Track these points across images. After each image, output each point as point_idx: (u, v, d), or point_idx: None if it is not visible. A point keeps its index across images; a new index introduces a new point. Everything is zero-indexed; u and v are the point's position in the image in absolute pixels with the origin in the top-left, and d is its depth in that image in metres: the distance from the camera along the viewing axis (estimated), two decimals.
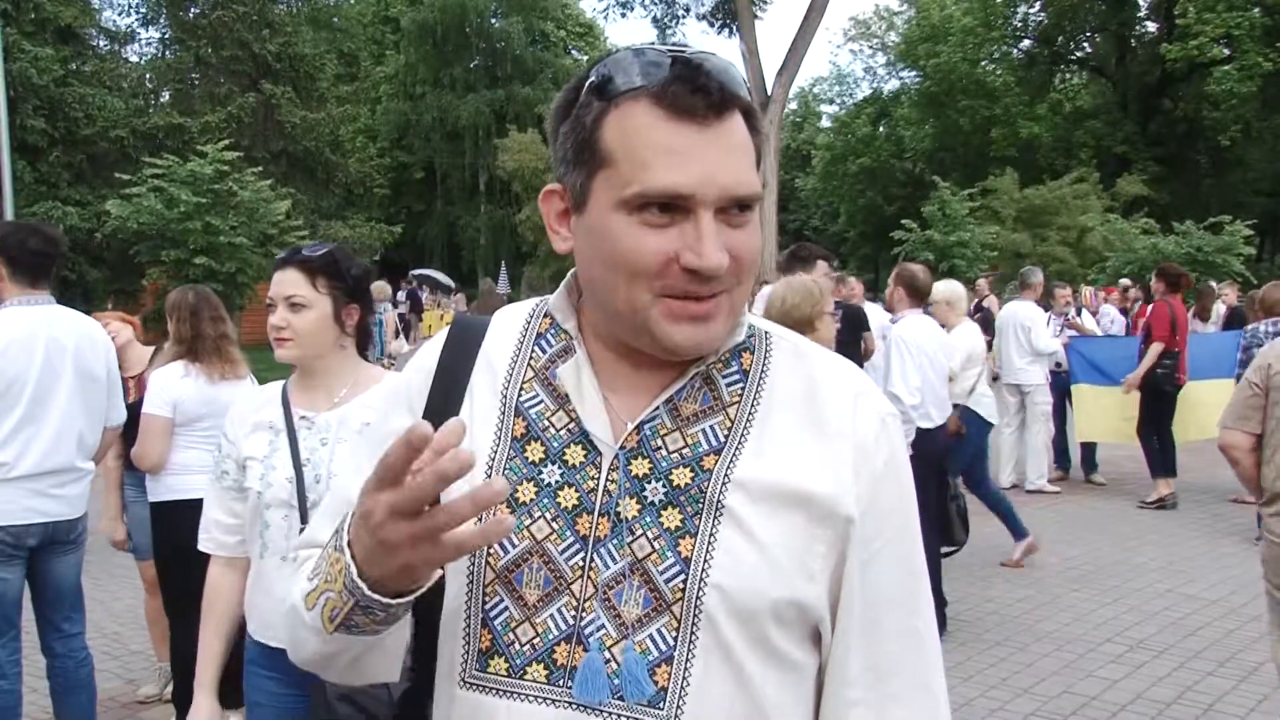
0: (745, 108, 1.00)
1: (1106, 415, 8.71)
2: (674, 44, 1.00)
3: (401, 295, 25.74)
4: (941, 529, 5.24)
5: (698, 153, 0.95)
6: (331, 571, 0.95)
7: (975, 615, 5.66)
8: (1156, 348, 8.09)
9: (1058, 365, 8.97)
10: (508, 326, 1.16)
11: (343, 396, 2.34)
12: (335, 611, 0.96)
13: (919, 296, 5.61)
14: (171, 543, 3.86)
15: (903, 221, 22.12)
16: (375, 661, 1.05)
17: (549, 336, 1.13)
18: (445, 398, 1.12)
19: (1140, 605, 5.86)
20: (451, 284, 30.01)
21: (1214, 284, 14.16)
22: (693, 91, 0.95)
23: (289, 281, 2.30)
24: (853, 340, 8.20)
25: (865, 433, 1.06)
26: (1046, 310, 9.33)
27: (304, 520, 2.21)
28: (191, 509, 3.72)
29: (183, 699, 3.96)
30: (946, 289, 6.75)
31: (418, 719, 1.11)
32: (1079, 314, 10.24)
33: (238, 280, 15.48)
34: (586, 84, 1.00)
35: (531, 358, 1.12)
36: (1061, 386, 9.13)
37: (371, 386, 2.35)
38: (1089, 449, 9.46)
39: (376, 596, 0.92)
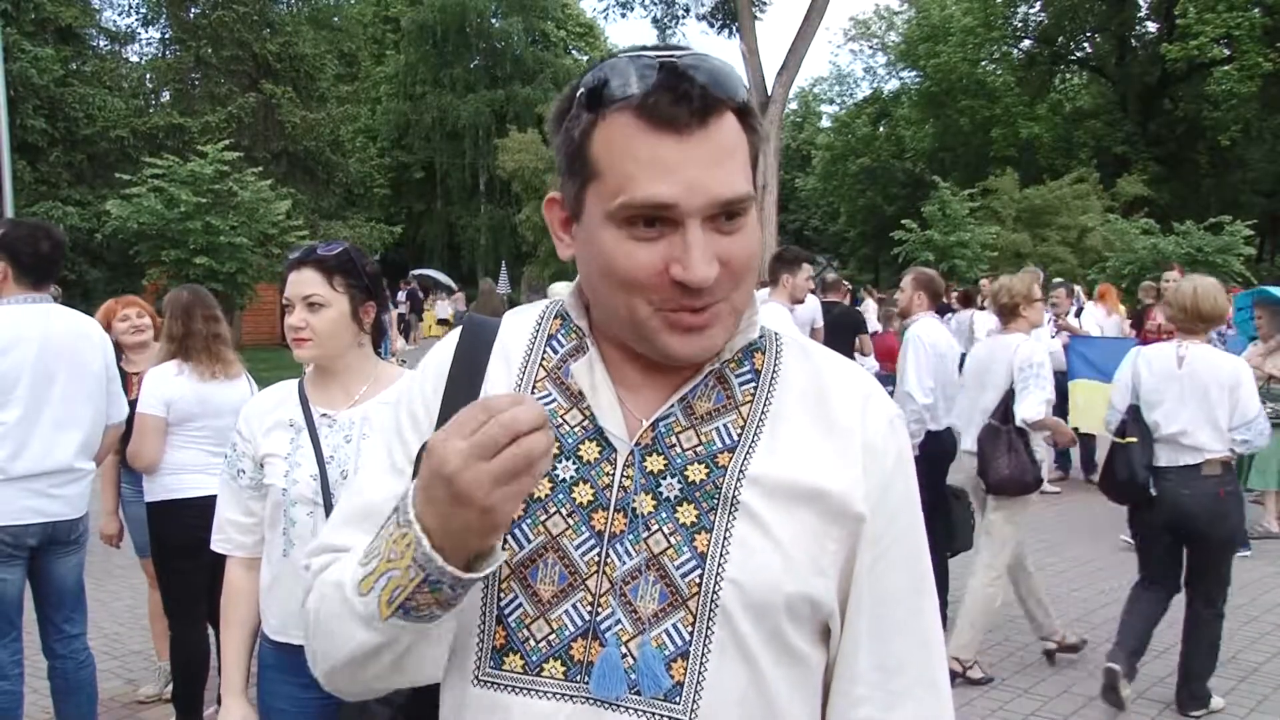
0: (737, 107, 0.99)
1: (1101, 408, 8.69)
2: (670, 47, 0.99)
3: (401, 295, 25.77)
4: (953, 534, 5.27)
5: (681, 163, 0.95)
6: (397, 548, 0.92)
7: None
8: None
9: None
10: (519, 327, 1.17)
11: (363, 394, 2.34)
12: (397, 591, 0.92)
13: (936, 299, 5.68)
14: (167, 542, 3.86)
15: (903, 221, 22.13)
16: (422, 656, 1.01)
17: (560, 337, 1.13)
18: (461, 395, 1.11)
19: None
20: (453, 285, 30.06)
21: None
22: (675, 101, 0.94)
23: (306, 281, 2.28)
24: (849, 341, 8.14)
25: (874, 432, 1.07)
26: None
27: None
28: (186, 508, 3.78)
29: (182, 699, 3.97)
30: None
31: (426, 717, 1.11)
32: (1079, 314, 10.19)
33: (238, 280, 15.49)
34: (578, 94, 1.00)
35: (543, 359, 1.13)
36: (1060, 387, 9.12)
37: (390, 384, 2.35)
38: (1089, 450, 9.45)
39: (451, 569, 0.90)
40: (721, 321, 1.01)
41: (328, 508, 2.21)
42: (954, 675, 4.47)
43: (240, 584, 2.38)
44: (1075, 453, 9.59)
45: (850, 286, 12.20)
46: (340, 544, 1.13)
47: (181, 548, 3.80)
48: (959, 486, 5.52)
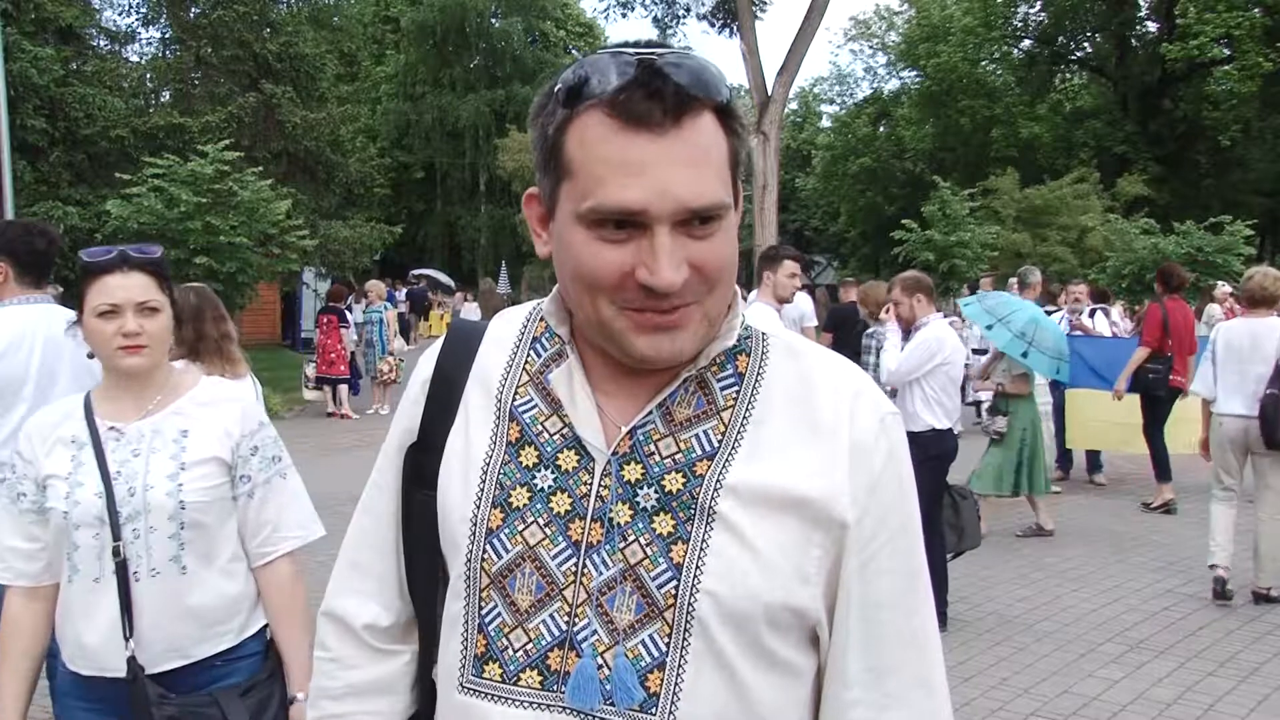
0: (717, 107, 0.97)
1: (1098, 421, 8.70)
2: (654, 44, 0.97)
3: (400, 295, 25.75)
4: (962, 533, 5.30)
5: (652, 165, 0.92)
6: None
7: (975, 615, 5.67)
8: (1141, 352, 8.08)
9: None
10: (504, 330, 1.16)
11: (156, 403, 2.22)
12: None
13: (933, 295, 5.70)
14: None
15: (903, 221, 22.06)
16: None
17: (544, 340, 1.12)
18: (440, 407, 1.12)
19: (1140, 605, 5.87)
20: (452, 284, 30.06)
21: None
22: (647, 97, 0.92)
23: (138, 286, 2.16)
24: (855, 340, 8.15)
25: (863, 431, 1.05)
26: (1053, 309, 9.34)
27: (116, 537, 2.10)
28: None
29: None
30: None
31: None
32: (1092, 315, 10.09)
33: (238, 280, 15.44)
34: (555, 89, 0.98)
35: (527, 362, 1.12)
36: (1064, 386, 9.12)
37: (186, 393, 2.26)
38: (1095, 449, 9.45)
39: None
40: (691, 326, 0.99)
41: (114, 528, 2.10)
42: (1264, 599, 5.87)
43: (19, 615, 2.20)
44: (1079, 453, 9.60)
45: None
46: (339, 607, 1.21)
47: None
48: (964, 487, 5.54)
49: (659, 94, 0.92)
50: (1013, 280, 12.43)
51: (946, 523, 5.21)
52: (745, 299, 5.40)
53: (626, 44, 0.97)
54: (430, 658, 1.16)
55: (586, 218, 0.95)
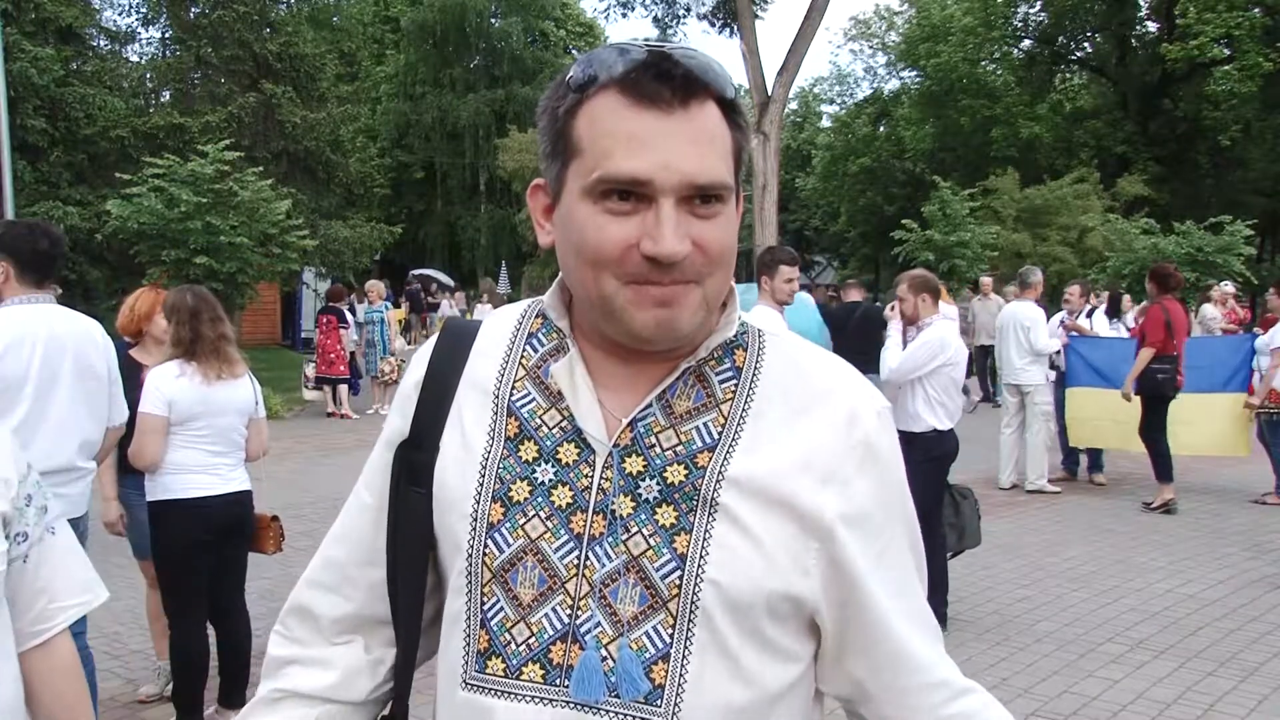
0: (723, 100, 1.00)
1: (1098, 419, 8.70)
2: (661, 39, 1.00)
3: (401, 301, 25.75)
4: (962, 533, 5.30)
5: (659, 140, 0.95)
6: None
7: (975, 615, 5.67)
8: (1147, 352, 8.05)
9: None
10: (499, 327, 1.17)
11: None
12: None
13: (938, 297, 5.69)
14: (168, 542, 3.87)
15: (903, 221, 22.08)
16: None
17: (540, 335, 1.13)
18: (434, 404, 1.13)
19: (1140, 605, 5.86)
20: (451, 283, 30.07)
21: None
22: (657, 78, 0.96)
23: None
24: (872, 339, 8.16)
25: (859, 428, 1.06)
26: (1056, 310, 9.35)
27: None
28: (187, 509, 3.81)
29: (182, 698, 3.97)
30: None
31: None
32: (1090, 315, 10.05)
33: (238, 280, 15.45)
34: (567, 78, 1.01)
35: (523, 357, 1.12)
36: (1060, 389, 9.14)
37: None
38: (1096, 450, 9.46)
39: None
40: (690, 304, 1.00)
41: None
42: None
43: None
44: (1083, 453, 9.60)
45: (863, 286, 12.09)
46: (305, 597, 1.22)
47: (181, 548, 3.83)
48: (965, 486, 5.54)
49: (668, 75, 0.96)
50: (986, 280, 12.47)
51: (946, 522, 5.21)
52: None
53: (636, 40, 1.01)
54: (409, 656, 1.16)
55: (593, 190, 0.97)
